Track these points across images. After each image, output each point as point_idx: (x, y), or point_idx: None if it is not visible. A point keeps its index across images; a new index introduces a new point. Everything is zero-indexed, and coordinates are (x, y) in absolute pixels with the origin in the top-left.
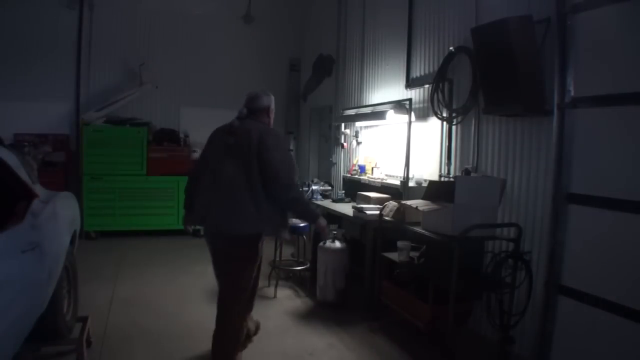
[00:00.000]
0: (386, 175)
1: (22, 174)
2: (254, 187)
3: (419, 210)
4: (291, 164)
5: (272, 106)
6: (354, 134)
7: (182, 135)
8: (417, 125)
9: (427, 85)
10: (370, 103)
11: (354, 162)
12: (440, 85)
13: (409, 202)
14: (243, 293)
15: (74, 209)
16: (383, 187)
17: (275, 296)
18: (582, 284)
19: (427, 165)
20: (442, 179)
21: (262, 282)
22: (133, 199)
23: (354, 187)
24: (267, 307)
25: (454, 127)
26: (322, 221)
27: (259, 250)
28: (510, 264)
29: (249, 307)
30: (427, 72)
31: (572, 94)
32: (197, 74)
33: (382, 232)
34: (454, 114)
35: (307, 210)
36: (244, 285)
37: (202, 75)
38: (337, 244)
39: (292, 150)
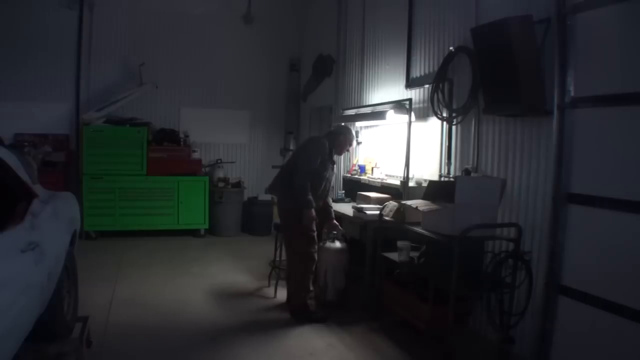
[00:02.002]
0: (386, 175)
1: (22, 174)
2: (290, 175)
3: (419, 210)
4: (309, 164)
5: (341, 138)
6: (354, 134)
7: (182, 135)
8: (417, 125)
9: (427, 85)
10: (370, 103)
11: (354, 162)
12: (440, 85)
13: (409, 202)
14: (297, 249)
15: (74, 209)
16: (383, 187)
17: (275, 296)
18: (582, 284)
19: (427, 165)
20: (442, 179)
21: (262, 282)
22: (133, 199)
23: (354, 187)
24: (267, 306)
25: (454, 127)
26: (309, 212)
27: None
28: (510, 264)
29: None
30: (427, 72)
31: (572, 94)
32: (197, 74)
33: (382, 232)
34: (454, 114)
35: (303, 199)
36: (294, 245)
37: (202, 75)
38: (337, 244)
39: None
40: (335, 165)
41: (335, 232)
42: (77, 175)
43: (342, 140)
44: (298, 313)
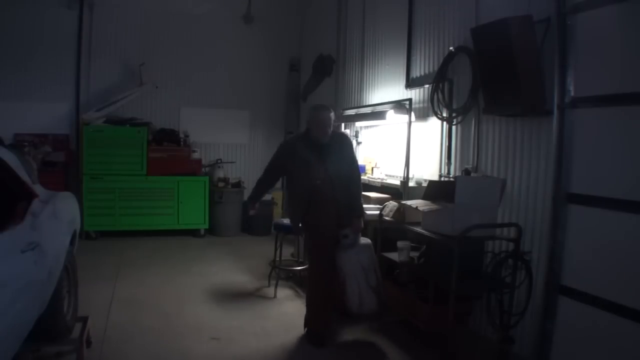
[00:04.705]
0: (386, 175)
1: (22, 174)
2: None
3: (419, 210)
4: (270, 160)
5: (310, 121)
6: (354, 134)
7: (182, 135)
8: (417, 125)
9: (427, 85)
10: (370, 103)
11: None
12: (440, 85)
13: (409, 202)
14: (309, 260)
15: (74, 209)
16: (383, 187)
17: (275, 296)
18: (582, 284)
19: (427, 165)
20: (442, 179)
21: (262, 282)
22: (133, 199)
23: None
24: (267, 307)
25: (454, 127)
26: (251, 205)
27: (309, 229)
28: (510, 264)
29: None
30: (427, 72)
31: (572, 94)
32: (197, 74)
33: (382, 232)
34: (454, 114)
35: (254, 188)
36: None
37: (202, 75)
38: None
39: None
40: (337, 153)
41: (345, 231)
42: (77, 175)
43: (310, 121)
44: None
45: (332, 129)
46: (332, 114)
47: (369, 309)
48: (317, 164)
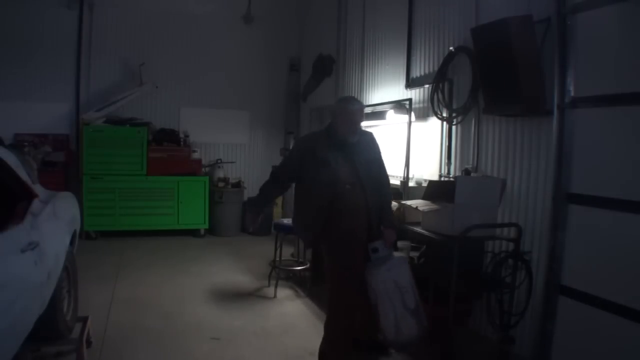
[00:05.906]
0: None
1: (22, 174)
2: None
3: (419, 210)
4: (283, 162)
5: (337, 114)
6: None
7: (182, 135)
8: (417, 125)
9: (427, 85)
10: (370, 103)
11: None
12: (440, 85)
13: (409, 202)
14: (331, 280)
15: (74, 209)
16: None
17: (275, 296)
18: (582, 284)
19: (427, 165)
20: (442, 179)
21: (262, 282)
22: (133, 199)
23: None
24: (267, 307)
25: (454, 127)
26: (250, 212)
27: (334, 243)
28: (510, 264)
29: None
30: (427, 72)
31: (572, 94)
32: (197, 74)
33: None
34: (454, 114)
35: (257, 195)
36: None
37: (202, 75)
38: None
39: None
40: (363, 152)
41: (375, 244)
42: (77, 175)
43: (336, 115)
44: None
45: (361, 125)
46: (364, 108)
47: (408, 335)
48: (344, 166)
